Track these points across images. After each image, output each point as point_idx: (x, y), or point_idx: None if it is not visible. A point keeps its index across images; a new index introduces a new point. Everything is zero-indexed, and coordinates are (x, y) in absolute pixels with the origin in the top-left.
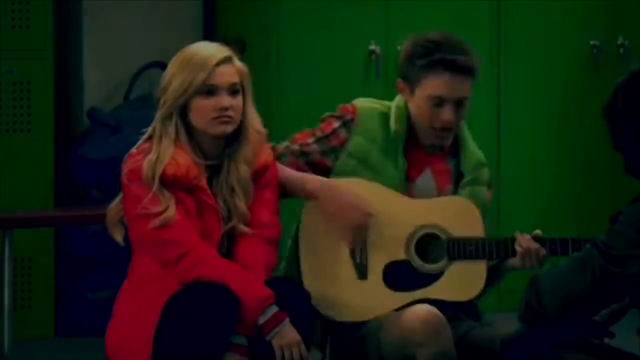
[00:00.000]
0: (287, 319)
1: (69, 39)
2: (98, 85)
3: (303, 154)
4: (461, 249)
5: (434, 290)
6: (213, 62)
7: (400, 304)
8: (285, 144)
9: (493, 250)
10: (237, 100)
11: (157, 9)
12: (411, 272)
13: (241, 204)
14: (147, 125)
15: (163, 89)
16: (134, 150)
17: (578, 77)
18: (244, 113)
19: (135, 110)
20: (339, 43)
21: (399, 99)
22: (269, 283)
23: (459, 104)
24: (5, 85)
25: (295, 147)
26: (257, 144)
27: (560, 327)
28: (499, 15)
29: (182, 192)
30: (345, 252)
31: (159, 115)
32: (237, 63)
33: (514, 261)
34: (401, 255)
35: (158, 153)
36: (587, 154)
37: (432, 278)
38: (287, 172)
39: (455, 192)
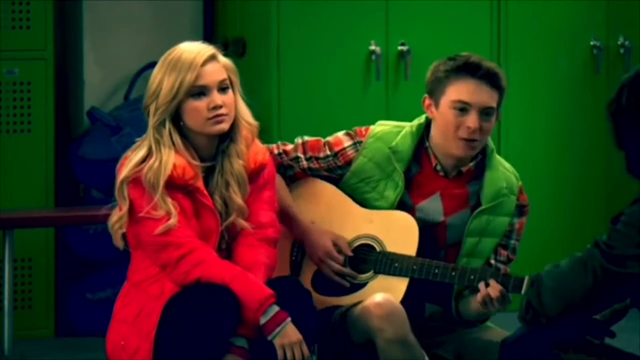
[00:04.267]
0: (289, 319)
1: (69, 39)
2: (98, 86)
3: (310, 169)
4: (387, 265)
5: (349, 299)
6: (199, 63)
7: (318, 308)
8: (293, 151)
9: (416, 270)
10: (229, 96)
11: (157, 9)
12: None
13: (237, 198)
14: (147, 125)
15: (152, 96)
16: (129, 152)
17: (578, 77)
18: (235, 108)
19: (135, 110)
20: (339, 43)
21: (414, 122)
22: (269, 283)
23: (484, 114)
24: (6, 85)
25: (304, 163)
26: (250, 136)
27: (561, 327)
28: (499, 15)
29: (179, 194)
30: (287, 249)
31: (152, 122)
32: (222, 59)
33: (475, 305)
34: None
35: (160, 159)
36: (587, 154)
37: (356, 287)
38: (282, 201)
39: (467, 219)
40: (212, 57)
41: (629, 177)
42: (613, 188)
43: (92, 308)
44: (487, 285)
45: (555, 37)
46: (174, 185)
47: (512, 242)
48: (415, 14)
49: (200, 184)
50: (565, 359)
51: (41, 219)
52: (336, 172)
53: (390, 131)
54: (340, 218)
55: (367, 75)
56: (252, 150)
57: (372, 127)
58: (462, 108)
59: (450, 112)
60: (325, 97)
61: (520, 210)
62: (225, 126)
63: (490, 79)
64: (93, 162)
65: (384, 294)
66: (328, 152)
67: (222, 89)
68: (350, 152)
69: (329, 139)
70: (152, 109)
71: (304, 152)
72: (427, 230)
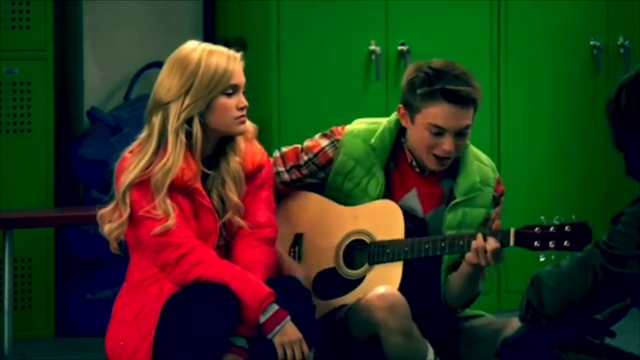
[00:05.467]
0: (288, 317)
1: (69, 40)
2: (98, 86)
3: (293, 181)
4: (380, 253)
5: (351, 296)
6: (236, 62)
7: (323, 313)
8: (273, 166)
9: (408, 251)
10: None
11: (157, 9)
12: (338, 280)
13: (233, 196)
14: (152, 125)
15: (176, 94)
16: (127, 153)
17: (578, 78)
18: None
19: (135, 111)
20: (339, 43)
21: (391, 117)
22: (268, 282)
23: (459, 135)
24: (6, 85)
25: (286, 176)
26: (248, 136)
27: (561, 327)
28: (499, 15)
29: (178, 195)
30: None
31: (178, 120)
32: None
33: (469, 258)
34: (330, 264)
35: (173, 160)
36: (587, 154)
37: (355, 283)
38: None
39: (442, 213)
40: (240, 59)
41: (629, 178)
42: (613, 188)
43: (92, 308)
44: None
45: (555, 37)
46: (174, 187)
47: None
48: (415, 14)
49: (198, 184)
50: (565, 359)
51: (41, 219)
52: (319, 175)
53: (367, 128)
54: (327, 223)
55: (367, 75)
56: (250, 150)
57: (348, 125)
58: (438, 132)
59: (425, 132)
60: (325, 97)
61: (497, 201)
62: (245, 128)
63: (467, 102)
64: (93, 162)
65: (385, 286)
66: (306, 158)
67: (243, 91)
68: (329, 150)
69: (306, 143)
70: (174, 107)
71: (284, 164)
72: (414, 221)
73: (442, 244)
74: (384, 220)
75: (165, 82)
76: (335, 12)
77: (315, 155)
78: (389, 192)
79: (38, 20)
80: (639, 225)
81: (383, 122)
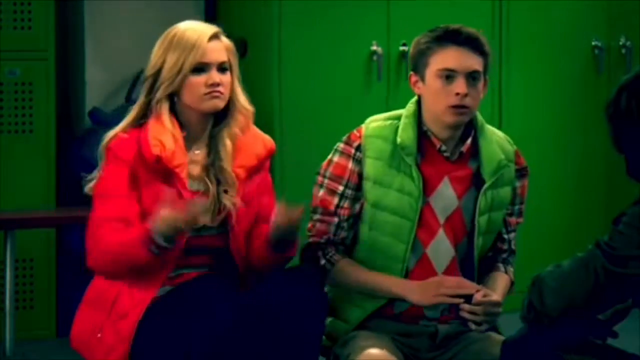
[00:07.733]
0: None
1: (70, 40)
2: (100, 86)
3: (341, 227)
4: None
5: None
6: (205, 40)
7: None
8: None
9: None
10: (227, 77)
11: (159, 9)
12: None
13: (228, 167)
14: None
15: (155, 70)
16: (118, 129)
17: (579, 78)
18: (232, 91)
19: None
20: (340, 43)
21: (407, 109)
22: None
23: (470, 78)
24: (8, 85)
25: (331, 236)
26: (244, 121)
27: (563, 328)
28: (500, 16)
29: (162, 182)
30: None
31: (153, 95)
32: (225, 39)
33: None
34: None
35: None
36: (588, 154)
37: None
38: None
39: (476, 198)
40: (216, 36)
41: (630, 179)
42: (614, 188)
43: None
44: None
45: (557, 38)
46: (159, 169)
47: (517, 207)
48: (416, 15)
49: (184, 174)
50: None
51: (42, 219)
52: (359, 193)
53: (385, 126)
54: None
55: (369, 76)
56: (259, 136)
57: (363, 126)
58: (448, 75)
59: (437, 81)
60: (327, 97)
61: (520, 173)
62: (219, 103)
63: (473, 43)
64: (94, 162)
65: (378, 351)
66: (341, 187)
67: (222, 69)
68: (356, 167)
69: (330, 170)
70: (157, 84)
71: (321, 216)
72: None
73: None
74: None
75: (151, 58)
76: (336, 13)
77: (349, 180)
78: (424, 186)
79: (39, 20)
80: None
81: (399, 115)
